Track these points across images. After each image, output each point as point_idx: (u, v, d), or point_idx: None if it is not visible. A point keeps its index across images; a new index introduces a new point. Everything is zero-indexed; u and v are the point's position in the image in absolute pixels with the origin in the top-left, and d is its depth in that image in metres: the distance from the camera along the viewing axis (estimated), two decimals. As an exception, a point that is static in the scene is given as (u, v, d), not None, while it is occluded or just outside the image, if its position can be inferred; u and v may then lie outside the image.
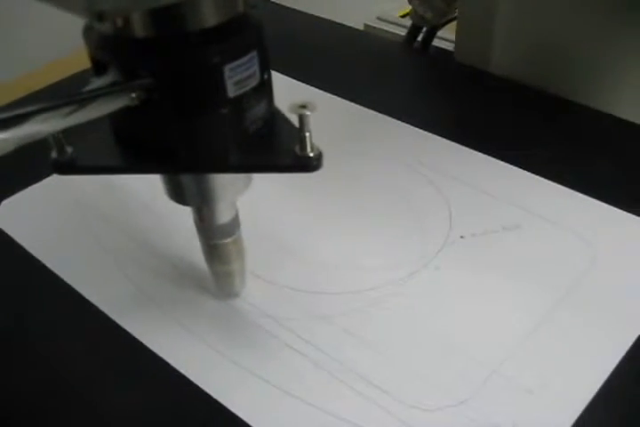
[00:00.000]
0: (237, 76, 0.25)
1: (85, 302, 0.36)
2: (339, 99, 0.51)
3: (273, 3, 0.63)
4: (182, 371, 0.33)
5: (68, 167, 0.27)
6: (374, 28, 0.84)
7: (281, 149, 0.28)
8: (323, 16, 0.63)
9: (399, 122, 0.48)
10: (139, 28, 0.24)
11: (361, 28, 0.81)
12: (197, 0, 0.24)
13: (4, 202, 0.44)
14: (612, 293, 0.35)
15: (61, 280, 0.38)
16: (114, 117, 0.27)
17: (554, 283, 0.36)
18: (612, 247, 0.38)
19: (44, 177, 0.45)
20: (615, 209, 0.40)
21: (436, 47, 0.68)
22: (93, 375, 0.33)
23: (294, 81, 0.52)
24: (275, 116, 0.29)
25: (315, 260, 0.38)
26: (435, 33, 0.64)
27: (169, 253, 0.39)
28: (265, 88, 0.27)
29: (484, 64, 0.54)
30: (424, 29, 0.64)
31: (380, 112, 0.49)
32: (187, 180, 0.29)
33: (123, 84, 0.24)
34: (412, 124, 0.48)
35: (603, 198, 0.41)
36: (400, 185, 0.43)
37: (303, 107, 0.26)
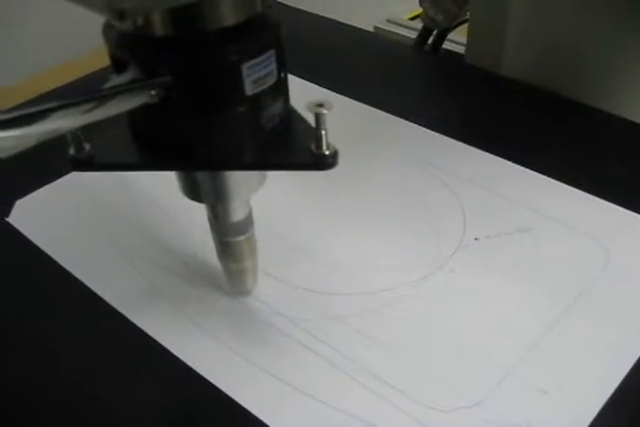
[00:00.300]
0: (255, 75, 0.26)
1: (99, 300, 0.36)
2: (349, 100, 0.51)
3: (283, 4, 0.63)
4: (193, 366, 0.33)
5: (86, 164, 0.27)
6: (384, 30, 0.84)
7: (297, 147, 0.28)
8: (332, 18, 0.64)
9: (410, 123, 0.48)
10: (158, 27, 0.24)
11: (370, 30, 0.81)
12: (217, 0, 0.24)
13: (19, 202, 0.44)
14: (627, 295, 0.35)
15: (75, 279, 0.38)
16: (132, 115, 0.27)
17: (568, 284, 0.36)
18: (625, 250, 0.38)
19: (58, 177, 0.45)
20: (628, 211, 0.40)
21: (447, 50, 0.68)
22: (104, 371, 0.33)
23: (305, 82, 0.52)
24: (290, 114, 0.29)
25: (328, 260, 0.38)
26: (445, 36, 0.64)
27: (182, 251, 0.39)
28: (281, 86, 0.27)
29: (496, 66, 0.54)
30: (435, 32, 0.64)
31: (391, 113, 0.49)
32: (202, 177, 0.29)
33: (142, 81, 0.25)
34: (423, 126, 0.48)
35: (614, 201, 0.41)
36: (413, 187, 0.43)
37: (320, 105, 0.26)
